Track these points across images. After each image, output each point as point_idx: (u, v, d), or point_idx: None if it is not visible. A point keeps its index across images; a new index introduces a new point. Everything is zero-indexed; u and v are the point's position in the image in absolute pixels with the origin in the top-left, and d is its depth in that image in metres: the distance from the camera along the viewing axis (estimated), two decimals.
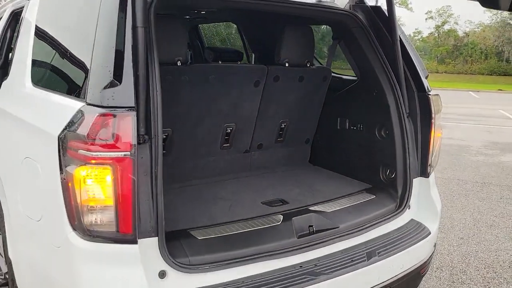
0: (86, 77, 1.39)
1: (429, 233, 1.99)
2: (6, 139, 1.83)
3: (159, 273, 1.41)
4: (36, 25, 1.94)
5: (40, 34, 1.91)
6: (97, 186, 1.32)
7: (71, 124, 1.33)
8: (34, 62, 1.86)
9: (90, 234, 1.33)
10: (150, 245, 1.38)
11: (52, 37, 1.83)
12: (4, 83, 2.15)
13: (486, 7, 1.94)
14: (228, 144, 2.43)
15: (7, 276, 2.17)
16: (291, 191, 2.22)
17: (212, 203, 2.04)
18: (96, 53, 1.36)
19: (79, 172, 1.31)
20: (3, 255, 2.12)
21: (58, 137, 1.35)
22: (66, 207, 1.34)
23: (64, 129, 1.34)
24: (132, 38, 1.33)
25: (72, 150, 1.32)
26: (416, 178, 2.10)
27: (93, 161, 1.30)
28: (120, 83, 1.32)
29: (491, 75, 42.90)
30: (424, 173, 2.10)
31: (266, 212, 1.92)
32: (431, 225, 2.05)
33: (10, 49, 3.01)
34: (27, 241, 1.61)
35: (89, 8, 1.52)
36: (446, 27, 55.65)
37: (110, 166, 1.30)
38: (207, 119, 2.28)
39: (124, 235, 1.33)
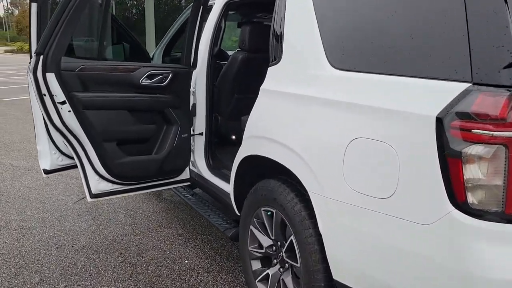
0: (464, 58, 1.39)
1: None
2: (309, 123, 1.92)
3: None
4: (315, 10, 2.02)
5: (328, 17, 1.98)
6: (486, 165, 1.34)
7: (455, 105, 1.36)
8: (330, 48, 1.92)
9: (471, 211, 1.36)
10: None
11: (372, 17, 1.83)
12: (272, 68, 2.26)
13: None
14: None
15: (267, 251, 2.32)
16: None
17: None
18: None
19: (469, 150, 1.34)
20: (273, 232, 2.26)
21: (437, 117, 1.39)
22: (445, 184, 1.38)
23: (445, 110, 1.38)
24: None
25: (458, 130, 1.35)
26: None
27: (485, 141, 1.32)
28: None
29: None
30: None
31: None
32: None
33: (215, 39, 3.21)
34: (354, 216, 1.68)
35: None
36: None
37: (503, 146, 1.31)
38: None
39: (510, 215, 1.34)
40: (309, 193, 1.90)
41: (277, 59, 2.24)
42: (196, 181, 3.28)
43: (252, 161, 2.37)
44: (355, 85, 1.75)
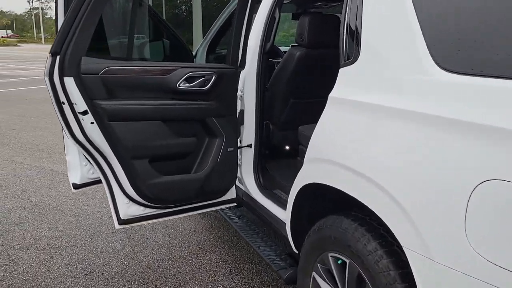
0: None
1: None
2: (404, 149, 1.34)
3: None
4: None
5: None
6: None
7: None
8: (436, 41, 1.33)
9: None
10: None
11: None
12: (344, 70, 1.70)
13: None
14: None
15: None
16: None
17: None
18: None
19: None
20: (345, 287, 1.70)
21: None
22: None
23: None
24: None
25: None
26: None
27: None
28: None
29: None
30: None
31: None
32: None
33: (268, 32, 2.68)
34: None
35: None
36: None
37: None
38: None
39: None
40: (404, 249, 1.33)
41: (351, 58, 1.67)
42: (243, 200, 2.79)
43: (317, 190, 1.83)
44: (485, 97, 1.16)
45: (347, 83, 1.68)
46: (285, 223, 2.21)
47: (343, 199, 1.64)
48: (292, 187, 1.98)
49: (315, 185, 1.81)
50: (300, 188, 1.91)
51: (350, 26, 1.72)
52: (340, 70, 1.73)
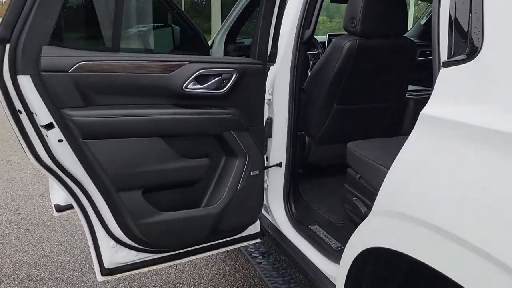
0: None
1: None
2: None
3: None
4: None
5: None
6: None
7: None
8: None
9: None
10: None
11: None
12: (451, 72, 1.03)
13: None
14: None
15: None
16: None
17: None
18: None
19: None
20: None
21: None
22: None
23: None
24: None
25: None
26: None
27: None
28: None
29: None
30: None
31: None
32: None
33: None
34: None
35: None
36: None
37: None
38: None
39: None
40: None
41: (464, 52, 1.01)
42: (269, 234, 2.16)
43: (389, 257, 1.18)
44: None
45: (457, 94, 1.02)
46: (330, 279, 1.58)
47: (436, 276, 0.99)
48: (350, 243, 1.33)
49: (386, 251, 1.16)
50: (363, 251, 1.26)
51: (458, 3, 1.05)
52: (441, 72, 1.07)
